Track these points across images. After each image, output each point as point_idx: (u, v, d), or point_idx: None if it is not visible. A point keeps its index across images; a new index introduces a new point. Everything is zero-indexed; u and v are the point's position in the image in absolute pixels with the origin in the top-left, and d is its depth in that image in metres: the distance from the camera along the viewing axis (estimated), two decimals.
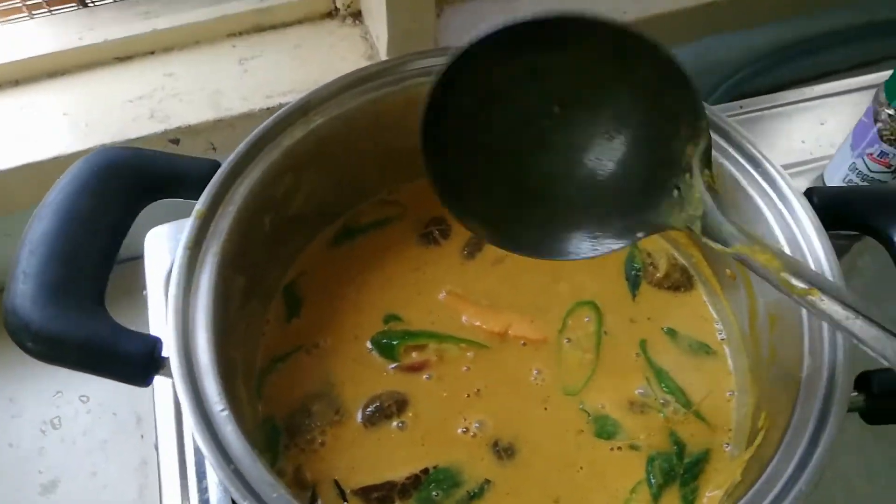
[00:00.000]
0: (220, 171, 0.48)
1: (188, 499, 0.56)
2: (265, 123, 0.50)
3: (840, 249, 0.75)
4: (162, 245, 0.69)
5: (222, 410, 0.39)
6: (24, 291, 0.42)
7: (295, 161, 0.51)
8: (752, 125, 0.86)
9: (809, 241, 0.47)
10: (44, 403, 0.77)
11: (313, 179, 0.55)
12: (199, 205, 0.47)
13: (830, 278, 0.45)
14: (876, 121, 0.67)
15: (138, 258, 0.68)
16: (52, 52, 0.84)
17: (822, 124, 0.87)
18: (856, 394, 0.43)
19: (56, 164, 0.79)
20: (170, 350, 0.41)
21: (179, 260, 0.45)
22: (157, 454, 0.58)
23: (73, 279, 0.43)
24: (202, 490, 0.56)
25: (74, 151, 0.80)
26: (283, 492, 0.37)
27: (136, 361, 0.41)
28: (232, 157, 0.48)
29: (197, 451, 0.58)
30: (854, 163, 0.71)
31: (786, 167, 0.82)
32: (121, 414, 0.77)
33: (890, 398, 0.42)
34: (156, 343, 0.42)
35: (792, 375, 0.43)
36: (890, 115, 0.65)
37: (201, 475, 0.57)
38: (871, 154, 0.68)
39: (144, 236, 0.70)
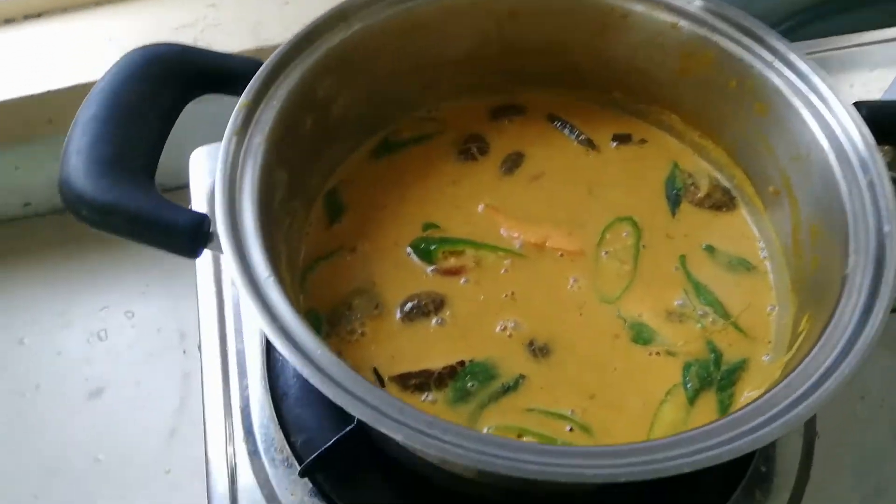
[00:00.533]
0: (262, 69, 0.48)
1: (229, 396, 0.57)
2: (307, 26, 0.51)
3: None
4: (206, 165, 0.71)
5: (269, 277, 0.40)
6: (76, 165, 0.43)
7: (334, 64, 0.52)
8: None
9: (854, 144, 0.46)
10: (91, 317, 0.79)
11: (354, 86, 0.55)
12: (244, 97, 0.47)
13: (878, 180, 0.45)
14: None
15: (185, 187, 0.70)
16: None
17: (870, 71, 0.85)
18: None
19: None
20: (218, 220, 0.42)
21: (226, 144, 0.46)
22: (200, 356, 0.60)
23: (124, 156, 0.44)
24: (243, 387, 0.58)
25: None
26: (326, 351, 0.37)
27: (185, 233, 0.42)
28: (274, 56, 0.49)
29: (239, 352, 0.59)
30: None
31: None
32: (164, 330, 0.79)
33: None
34: (204, 218, 0.43)
35: (835, 276, 0.43)
36: None
37: (242, 373, 0.58)
38: None
39: (189, 158, 0.72)
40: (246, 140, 0.47)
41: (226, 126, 0.48)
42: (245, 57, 0.52)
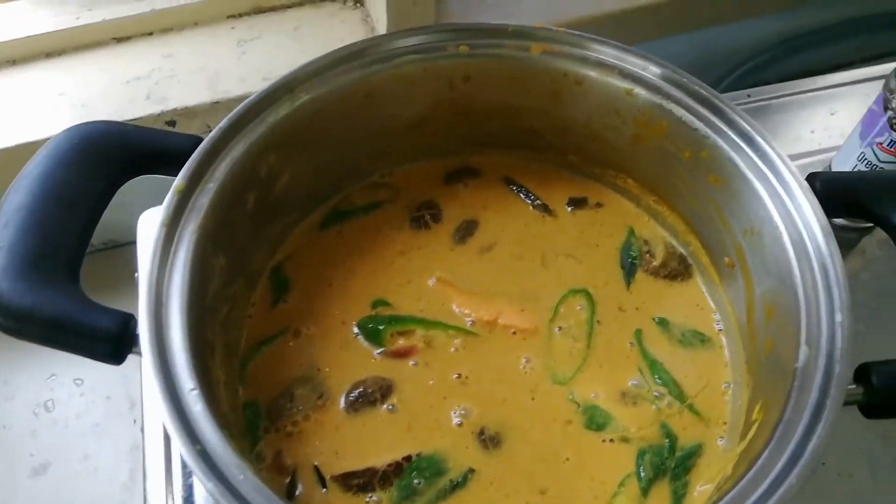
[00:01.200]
0: (200, 147, 0.46)
1: (171, 481, 0.55)
2: (249, 99, 0.49)
3: (848, 243, 0.74)
4: (155, 228, 0.68)
5: (192, 390, 0.38)
6: None
7: (279, 139, 0.50)
8: (760, 114, 0.84)
9: (809, 227, 0.45)
10: (37, 386, 0.76)
11: (300, 159, 0.54)
12: (178, 180, 0.46)
13: (831, 266, 0.43)
14: (886, 109, 0.64)
15: (134, 243, 0.68)
16: (50, 31, 0.84)
17: (832, 114, 0.85)
18: (854, 386, 0.41)
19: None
20: (141, 327, 0.39)
21: (155, 236, 0.44)
22: (143, 437, 0.58)
23: (47, 253, 0.42)
24: (186, 475, 0.55)
25: None
26: (251, 474, 0.35)
27: (107, 338, 0.40)
28: (214, 132, 0.47)
29: None
30: (863, 152, 0.68)
31: (794, 157, 0.81)
32: (114, 398, 0.76)
33: (890, 391, 0.40)
34: (129, 319, 0.41)
35: (788, 366, 0.42)
36: None
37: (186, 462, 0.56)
38: (881, 143, 0.66)
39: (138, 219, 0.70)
40: (178, 230, 0.45)
41: None
42: (183, 134, 0.51)
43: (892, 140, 0.65)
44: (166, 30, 0.88)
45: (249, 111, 0.50)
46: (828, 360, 0.40)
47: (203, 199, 0.46)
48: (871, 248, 0.74)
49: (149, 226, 0.69)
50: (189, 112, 0.82)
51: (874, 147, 0.67)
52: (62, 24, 0.84)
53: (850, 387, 0.41)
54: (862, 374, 0.41)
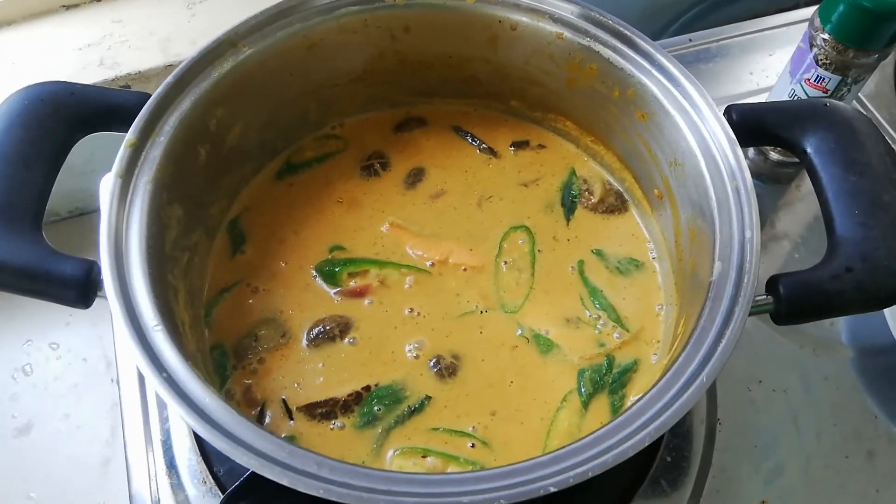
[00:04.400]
0: (148, 103, 0.48)
1: (150, 430, 0.58)
2: (193, 55, 0.51)
3: (788, 177, 0.78)
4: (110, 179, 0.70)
5: (156, 326, 0.41)
6: None
7: (226, 93, 0.52)
8: (701, 58, 0.87)
9: (724, 154, 0.49)
10: (14, 352, 0.78)
11: (248, 112, 0.56)
12: (130, 134, 0.48)
13: (743, 189, 0.47)
14: (812, 46, 0.68)
15: (98, 210, 0.69)
16: None
17: (769, 55, 0.88)
18: (765, 296, 0.45)
19: None
20: (104, 269, 0.42)
21: (111, 187, 0.46)
22: (119, 388, 0.60)
23: (8, 208, 0.44)
24: (163, 420, 0.58)
25: None
26: (216, 397, 0.39)
27: (72, 283, 0.42)
28: (160, 88, 0.49)
29: None
30: (793, 88, 0.72)
31: (733, 97, 0.84)
32: (90, 359, 0.79)
33: (796, 299, 0.44)
34: (92, 265, 0.43)
35: (705, 281, 0.46)
36: (825, 40, 0.66)
37: (162, 405, 0.59)
38: (808, 79, 0.70)
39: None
40: (133, 181, 0.47)
41: None
42: (131, 91, 0.52)
43: (818, 76, 0.69)
44: None
45: (194, 66, 0.51)
46: (738, 273, 0.44)
47: (155, 152, 0.48)
48: (806, 182, 0.78)
49: (109, 189, 0.71)
50: (142, 76, 0.83)
51: (803, 83, 0.70)
52: None
53: (759, 297, 0.44)
54: (772, 285, 0.45)
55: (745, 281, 0.43)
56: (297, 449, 0.38)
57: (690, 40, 0.88)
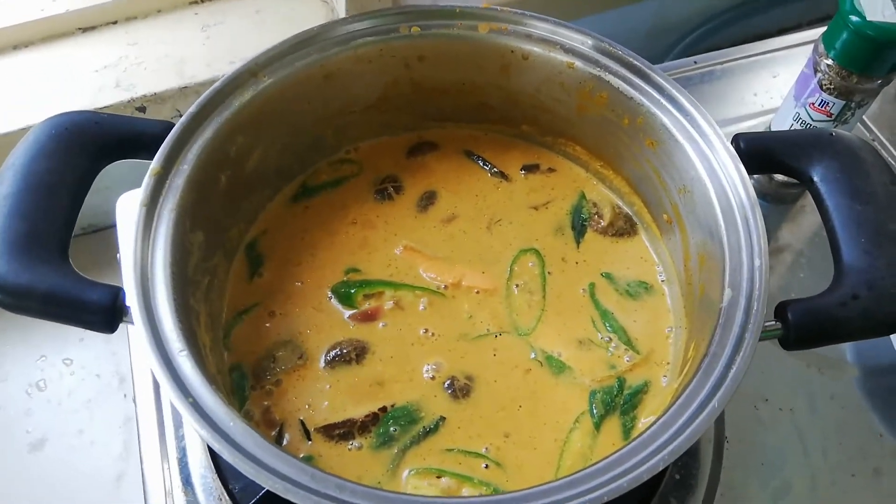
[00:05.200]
0: (172, 132, 0.50)
1: (166, 446, 0.59)
2: (215, 85, 0.52)
3: (793, 198, 0.80)
4: (133, 209, 0.71)
5: (181, 351, 0.42)
6: None
7: (246, 121, 0.54)
8: (706, 80, 0.89)
9: (733, 183, 0.50)
10: (28, 367, 0.79)
11: (267, 139, 0.57)
12: (154, 163, 0.49)
13: (752, 217, 0.48)
14: (816, 71, 0.69)
15: (113, 226, 0.71)
16: (15, 24, 0.85)
17: (773, 77, 0.90)
18: (774, 322, 0.46)
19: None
20: (130, 297, 0.43)
21: (136, 216, 0.47)
22: (136, 406, 0.61)
23: (37, 236, 0.45)
24: (179, 437, 0.59)
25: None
26: (240, 421, 0.40)
27: (99, 309, 0.43)
28: (184, 118, 0.51)
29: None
30: (797, 112, 0.73)
31: (738, 119, 0.86)
32: (104, 375, 0.80)
33: (803, 326, 0.45)
34: (118, 292, 0.44)
35: (715, 307, 0.47)
36: (828, 66, 0.68)
37: (178, 423, 0.60)
38: (813, 103, 0.71)
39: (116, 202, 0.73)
40: (157, 209, 0.49)
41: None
42: (156, 120, 0.54)
43: (822, 100, 0.70)
44: (130, 18, 0.90)
45: (216, 96, 0.53)
46: (748, 299, 0.45)
47: (178, 180, 0.50)
48: (810, 202, 0.79)
49: (126, 208, 0.72)
50: (158, 98, 0.85)
51: (807, 107, 0.72)
52: (27, 17, 0.86)
53: (769, 323, 0.46)
54: (780, 311, 0.46)
55: (755, 308, 0.45)
56: (319, 472, 0.39)
57: (695, 62, 0.89)
